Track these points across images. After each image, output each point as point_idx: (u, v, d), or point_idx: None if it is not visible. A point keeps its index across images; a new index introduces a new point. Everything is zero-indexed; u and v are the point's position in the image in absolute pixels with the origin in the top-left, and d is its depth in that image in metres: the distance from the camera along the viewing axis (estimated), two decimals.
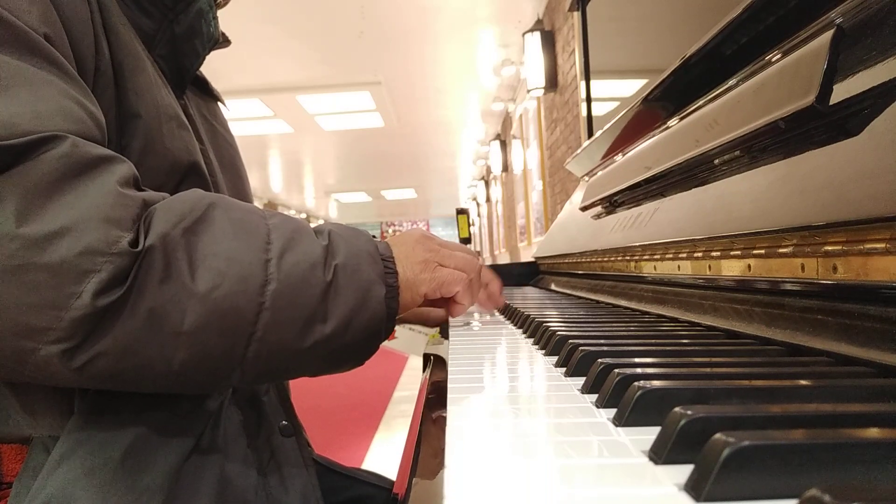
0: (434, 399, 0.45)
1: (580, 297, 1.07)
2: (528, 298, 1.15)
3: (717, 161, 0.67)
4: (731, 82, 0.66)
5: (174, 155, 0.60)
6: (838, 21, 0.49)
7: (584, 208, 1.28)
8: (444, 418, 0.33)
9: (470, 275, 0.64)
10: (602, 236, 1.04)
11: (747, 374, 0.39)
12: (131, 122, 0.57)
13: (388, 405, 3.47)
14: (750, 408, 0.28)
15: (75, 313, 0.41)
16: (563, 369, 0.47)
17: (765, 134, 0.55)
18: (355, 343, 0.53)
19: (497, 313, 0.94)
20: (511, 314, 0.86)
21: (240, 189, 0.77)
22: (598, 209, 1.19)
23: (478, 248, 13.61)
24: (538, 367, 0.50)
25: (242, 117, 6.99)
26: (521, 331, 0.71)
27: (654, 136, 0.93)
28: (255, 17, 4.48)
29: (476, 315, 0.92)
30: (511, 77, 5.96)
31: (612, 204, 1.11)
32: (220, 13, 0.74)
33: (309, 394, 3.49)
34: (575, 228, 1.32)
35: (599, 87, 1.51)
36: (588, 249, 1.09)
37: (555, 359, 0.51)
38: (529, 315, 0.74)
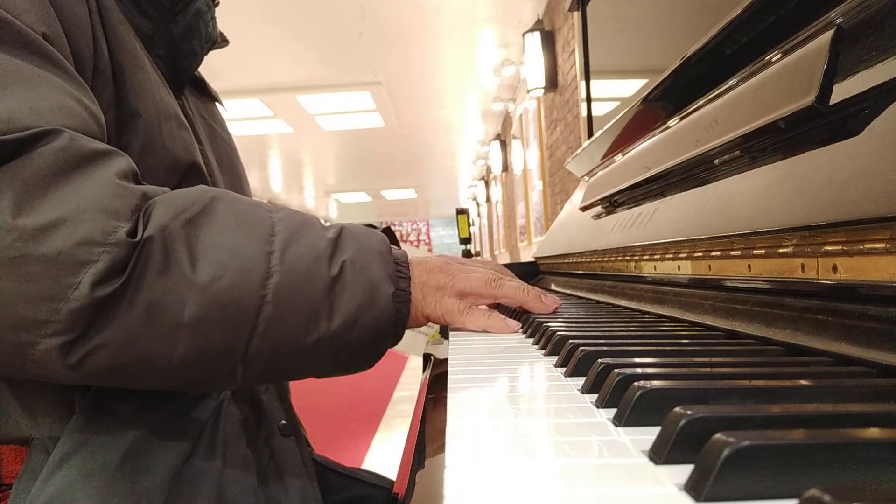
0: (434, 399, 0.45)
1: (580, 297, 1.07)
2: None
3: (717, 161, 0.67)
4: (731, 82, 0.66)
5: (174, 154, 0.60)
6: (838, 21, 0.49)
7: (584, 208, 1.28)
8: (444, 418, 0.33)
9: (485, 295, 0.64)
10: (602, 236, 1.04)
11: (747, 374, 0.39)
12: (131, 122, 0.57)
13: (388, 405, 3.47)
14: (750, 408, 0.28)
15: (73, 304, 0.41)
16: (563, 369, 0.47)
17: (765, 134, 0.55)
18: (361, 342, 0.52)
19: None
20: (511, 314, 0.86)
21: (239, 189, 0.77)
22: (598, 209, 1.19)
23: (477, 248, 13.61)
24: (538, 367, 0.50)
25: (242, 117, 6.99)
26: (520, 330, 0.71)
27: (653, 136, 0.93)
28: (255, 17, 4.49)
29: None
30: (511, 77, 5.96)
31: (612, 204, 1.11)
32: (218, 13, 0.74)
33: (309, 394, 3.49)
34: (575, 228, 1.32)
35: (599, 87, 1.51)
36: (588, 249, 1.09)
37: (555, 359, 0.51)
38: (529, 315, 0.73)
